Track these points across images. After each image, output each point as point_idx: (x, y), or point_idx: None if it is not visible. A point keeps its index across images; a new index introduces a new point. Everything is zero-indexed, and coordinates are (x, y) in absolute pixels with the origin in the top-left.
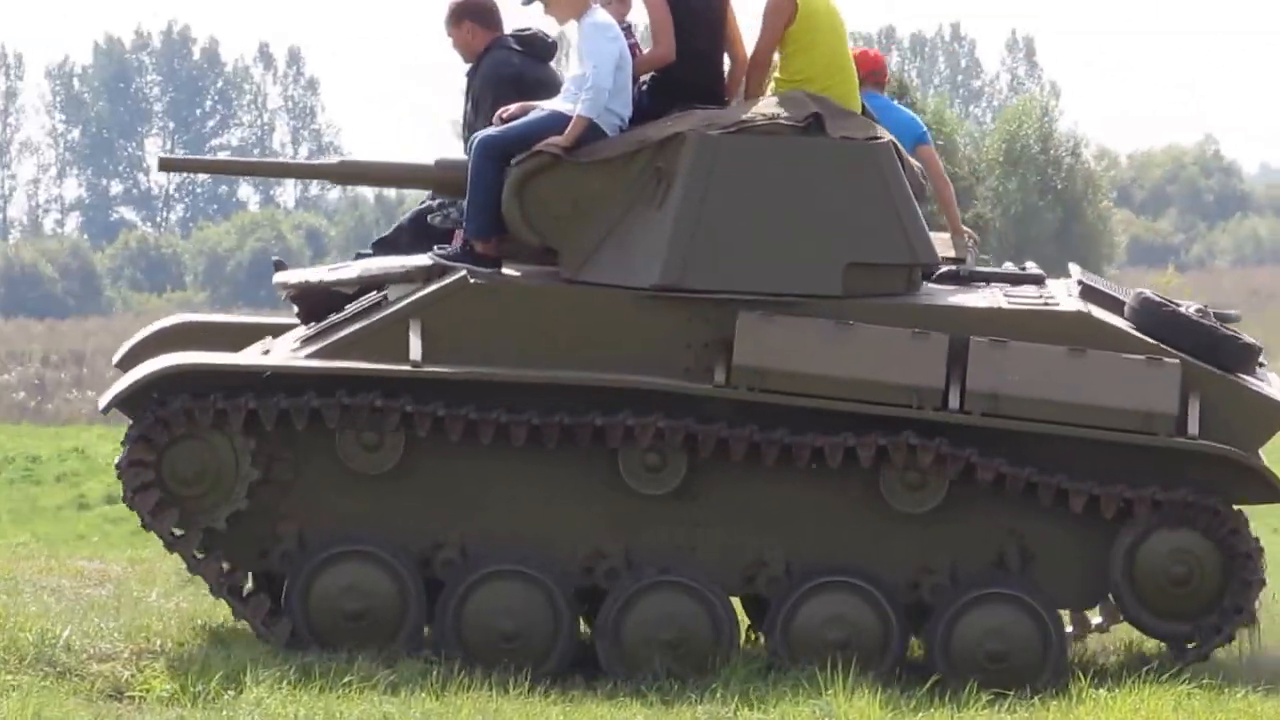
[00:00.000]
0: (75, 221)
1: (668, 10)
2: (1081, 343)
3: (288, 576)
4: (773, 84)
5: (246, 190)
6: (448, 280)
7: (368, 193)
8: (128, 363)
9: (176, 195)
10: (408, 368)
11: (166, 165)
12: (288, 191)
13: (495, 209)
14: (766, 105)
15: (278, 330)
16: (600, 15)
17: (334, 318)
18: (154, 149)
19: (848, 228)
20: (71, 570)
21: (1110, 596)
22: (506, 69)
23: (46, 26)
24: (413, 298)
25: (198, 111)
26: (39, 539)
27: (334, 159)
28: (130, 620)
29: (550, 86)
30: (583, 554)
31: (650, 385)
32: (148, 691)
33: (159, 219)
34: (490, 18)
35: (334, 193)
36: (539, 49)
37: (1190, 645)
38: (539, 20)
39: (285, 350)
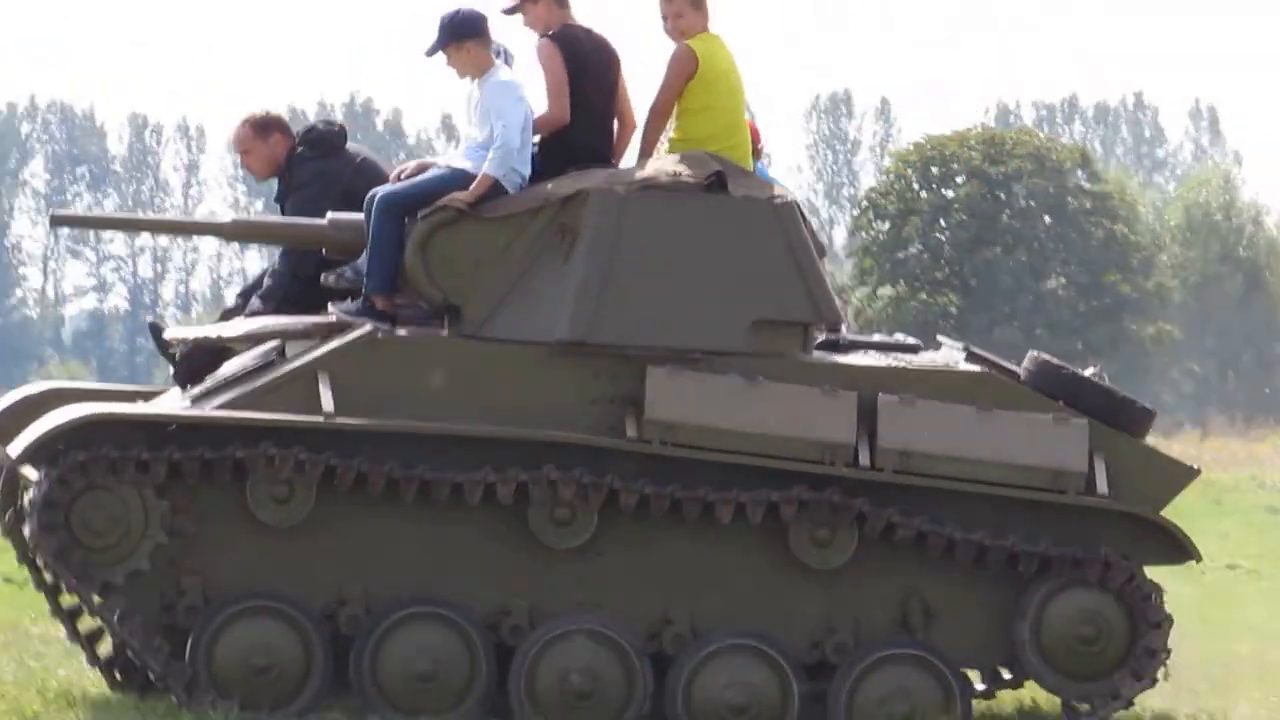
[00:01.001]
0: None
1: (565, 72)
2: (987, 402)
3: (192, 631)
4: (667, 144)
5: None
6: (355, 334)
7: None
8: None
9: None
10: (320, 419)
11: (58, 221)
12: None
13: (396, 265)
14: (668, 163)
15: (147, 396)
16: (504, 74)
17: (228, 373)
18: None
19: (753, 285)
20: None
21: (1016, 654)
22: (337, 181)
23: (228, 98)
24: (319, 351)
25: None
26: None
27: (227, 218)
28: None
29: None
30: (487, 610)
31: (568, 439)
32: None
33: None
34: (284, 127)
35: None
36: (337, 141)
37: (1085, 709)
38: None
39: (179, 407)
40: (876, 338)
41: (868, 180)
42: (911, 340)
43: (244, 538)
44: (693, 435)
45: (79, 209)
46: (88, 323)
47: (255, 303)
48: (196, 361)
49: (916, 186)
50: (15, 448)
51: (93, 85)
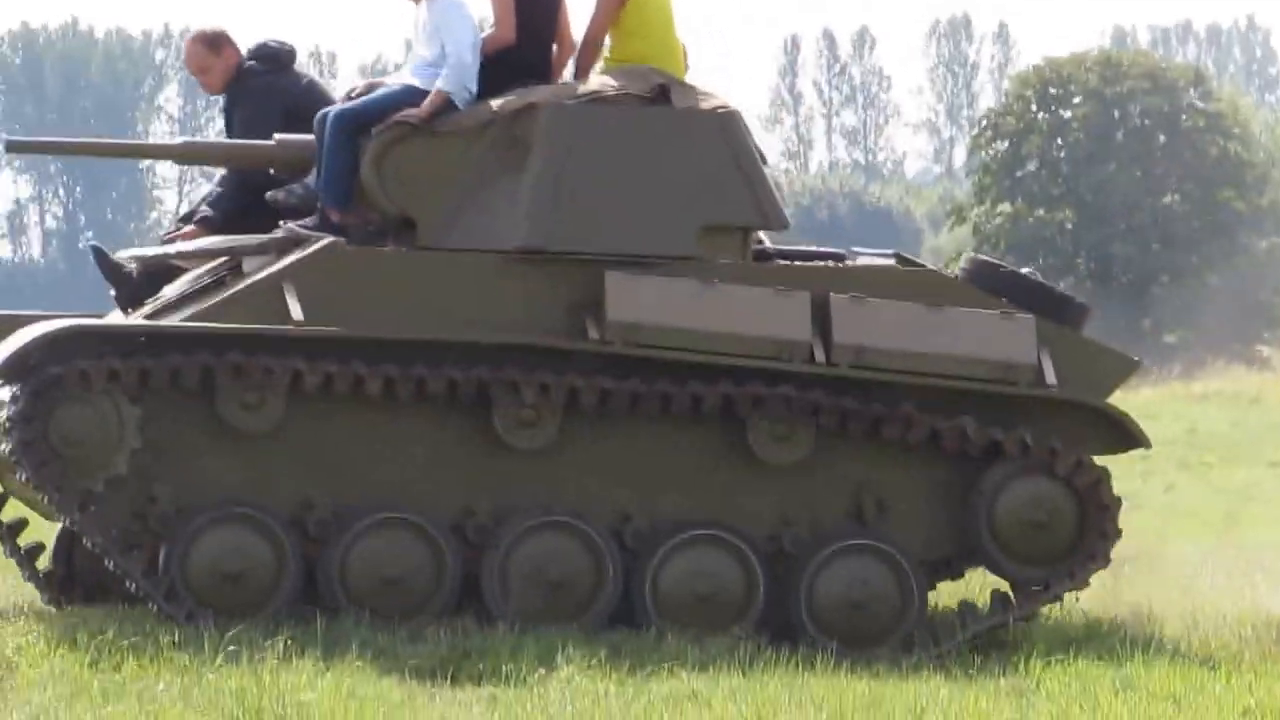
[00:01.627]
0: None
1: None
2: (934, 300)
3: (165, 539)
4: (602, 64)
5: None
6: (317, 247)
7: None
8: None
9: None
10: (290, 327)
11: (13, 147)
12: None
13: (351, 180)
14: (612, 78)
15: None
16: None
17: (180, 291)
18: None
19: (701, 192)
20: None
21: (970, 543)
22: (286, 97)
23: (358, 26)
24: (281, 264)
25: None
26: None
27: (178, 140)
28: None
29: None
30: (452, 512)
31: (534, 341)
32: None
33: None
34: (232, 41)
35: None
36: (286, 60)
37: (1038, 589)
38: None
39: (138, 320)
40: (800, 248)
41: (986, 102)
42: (836, 250)
43: (213, 446)
44: (654, 336)
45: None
46: None
47: (203, 209)
48: (140, 285)
49: (1034, 108)
50: None
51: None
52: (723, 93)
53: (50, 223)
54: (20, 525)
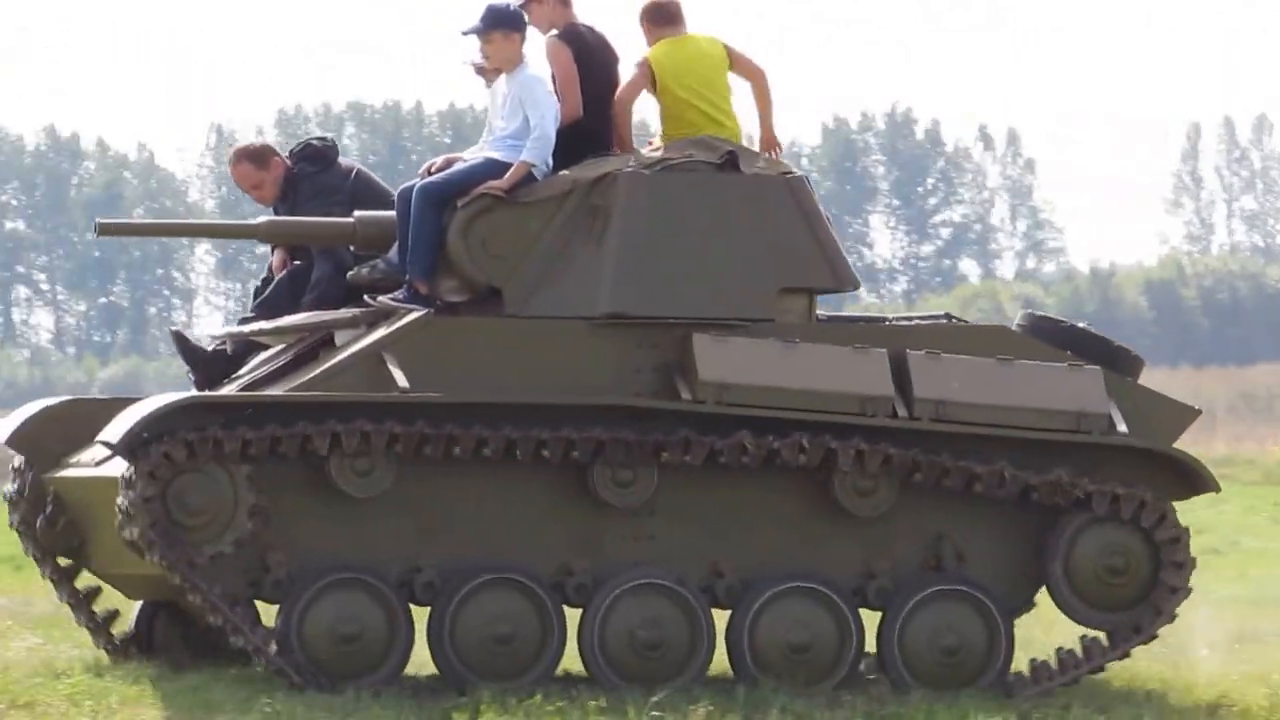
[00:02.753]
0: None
1: (574, 68)
2: (1006, 354)
3: (282, 604)
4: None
5: (969, 264)
6: (411, 318)
7: (1083, 265)
8: (19, 441)
9: (900, 269)
10: (396, 394)
11: (104, 230)
12: (1006, 264)
13: (436, 252)
14: (678, 147)
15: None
16: (533, 69)
17: (276, 363)
18: (878, 225)
19: (776, 255)
20: None
21: (1046, 587)
22: (338, 194)
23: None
24: (377, 335)
25: (919, 189)
26: None
27: (261, 219)
28: None
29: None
30: (551, 570)
31: (634, 403)
32: None
33: (883, 291)
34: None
35: (1050, 265)
36: (331, 155)
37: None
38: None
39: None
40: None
41: None
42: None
43: (323, 512)
44: (744, 394)
45: None
46: None
47: (307, 299)
48: (216, 364)
49: None
50: (109, 435)
51: None
52: (1125, 178)
53: None
54: (94, 592)
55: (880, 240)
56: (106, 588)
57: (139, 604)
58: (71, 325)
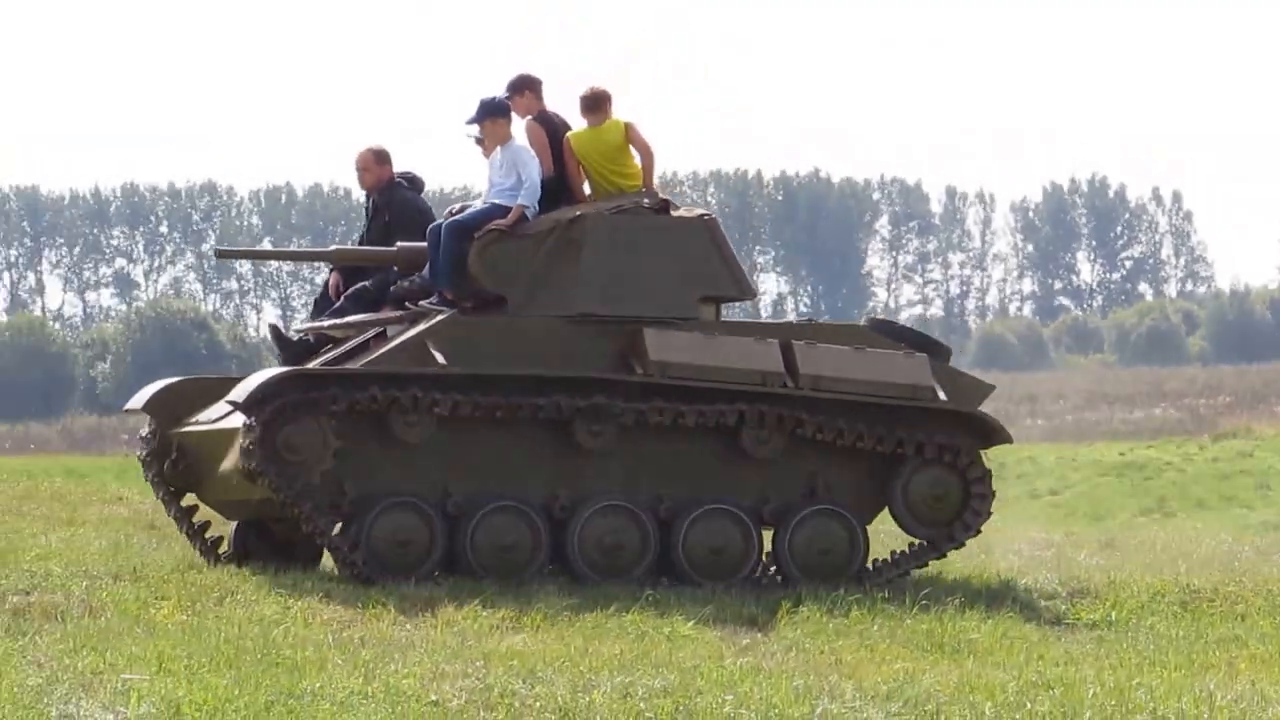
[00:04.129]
0: (1030, 308)
1: (547, 141)
2: (860, 344)
3: (354, 519)
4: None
5: (1144, 286)
6: (443, 317)
7: (1225, 285)
8: (151, 406)
9: (1097, 289)
10: (437, 369)
11: (222, 254)
12: (1171, 287)
13: (461, 270)
14: (628, 198)
15: (232, 381)
16: (521, 140)
17: (346, 348)
18: (1083, 259)
19: (697, 274)
20: None
21: (889, 509)
22: (421, 204)
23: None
24: (421, 328)
25: (1111, 234)
26: None
27: (332, 248)
28: None
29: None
30: (542, 497)
31: (601, 376)
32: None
33: (1086, 304)
34: (391, 160)
35: (1202, 288)
36: (420, 186)
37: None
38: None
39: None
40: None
41: None
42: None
43: (383, 454)
44: (681, 370)
45: None
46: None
47: (346, 304)
48: (298, 351)
49: None
50: (236, 396)
51: None
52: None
53: None
54: (205, 525)
55: (1084, 270)
56: (212, 516)
57: (234, 527)
58: None
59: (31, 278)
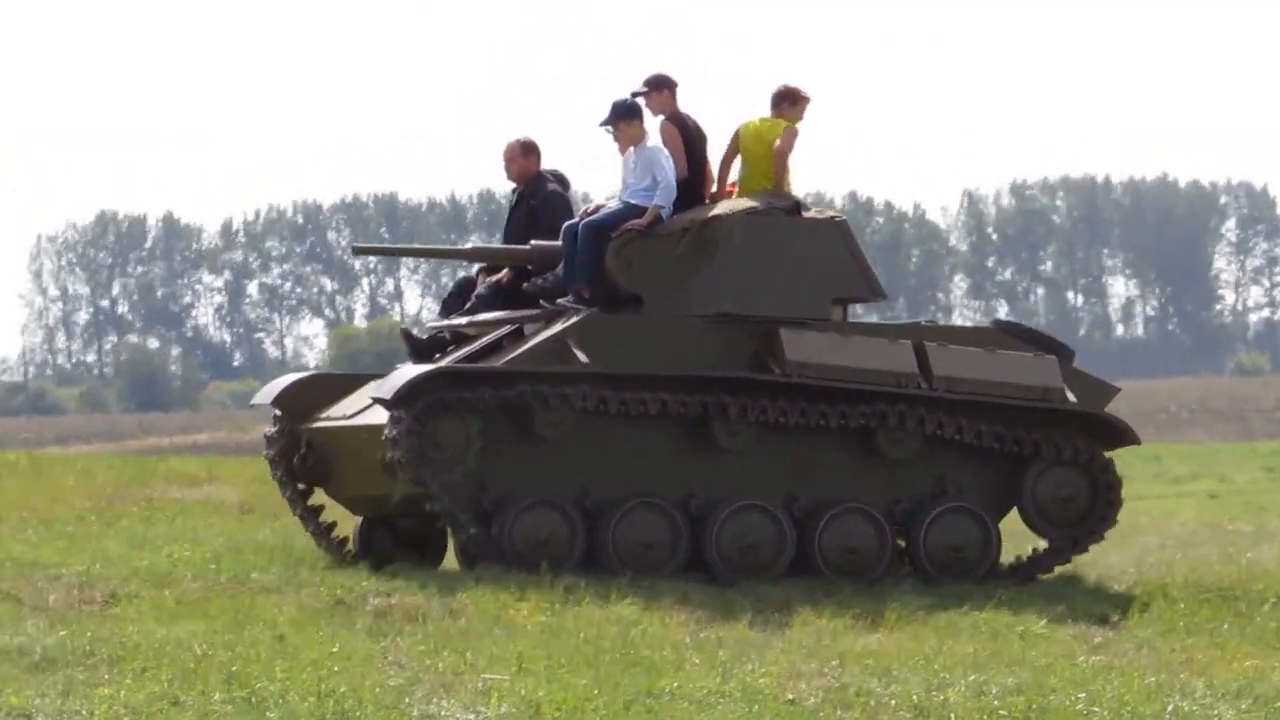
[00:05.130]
0: None
1: (681, 142)
2: (991, 346)
3: (496, 517)
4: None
5: None
6: (583, 315)
7: None
8: (280, 401)
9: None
10: (580, 368)
11: (358, 250)
12: None
13: (597, 269)
14: (760, 198)
15: (367, 377)
16: (654, 140)
17: (479, 346)
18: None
19: (829, 275)
20: None
21: (1018, 509)
22: (566, 201)
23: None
24: (560, 326)
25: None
26: None
27: (468, 246)
28: None
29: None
30: (679, 496)
31: (740, 375)
32: None
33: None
34: (539, 153)
35: None
36: (566, 183)
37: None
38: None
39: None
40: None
41: None
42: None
43: (523, 452)
44: (818, 371)
45: None
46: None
47: (479, 302)
48: (424, 350)
49: None
50: (383, 392)
51: None
52: None
53: None
54: (332, 525)
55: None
56: (339, 514)
57: (358, 524)
58: None
59: (390, 283)
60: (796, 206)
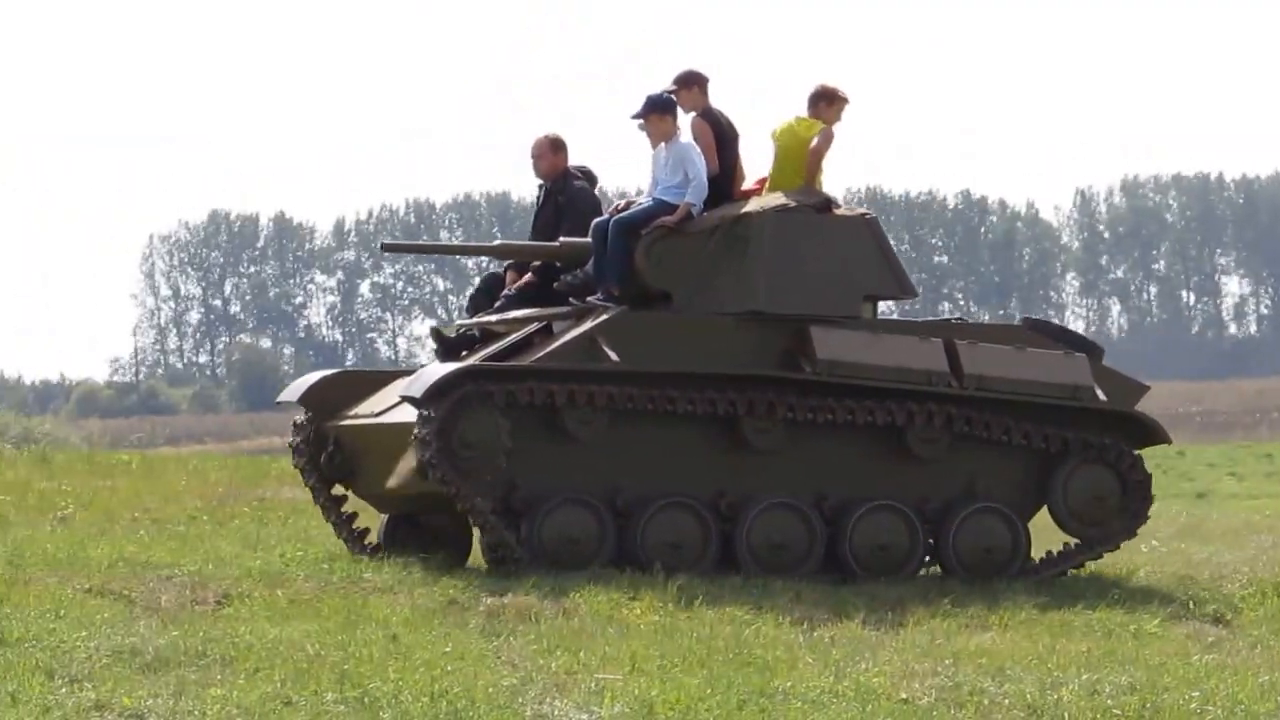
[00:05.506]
0: None
1: (713, 138)
2: (1021, 344)
3: (525, 516)
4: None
5: None
6: (614, 313)
7: None
8: (307, 398)
9: None
10: (610, 365)
11: (388, 248)
12: None
13: (627, 266)
14: (791, 195)
15: (397, 374)
16: (686, 137)
17: (508, 343)
18: None
19: (860, 272)
20: None
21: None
22: (594, 198)
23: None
24: (590, 324)
25: None
26: None
27: (496, 242)
28: None
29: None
30: (709, 495)
31: (771, 374)
32: None
33: None
34: (567, 149)
35: None
36: (593, 179)
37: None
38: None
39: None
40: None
41: None
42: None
43: (553, 450)
44: (850, 369)
45: None
46: None
47: (507, 301)
48: (452, 347)
49: None
50: (412, 391)
51: None
52: None
53: None
54: (353, 516)
55: None
56: (362, 508)
57: (384, 519)
58: None
59: None
60: (827, 204)
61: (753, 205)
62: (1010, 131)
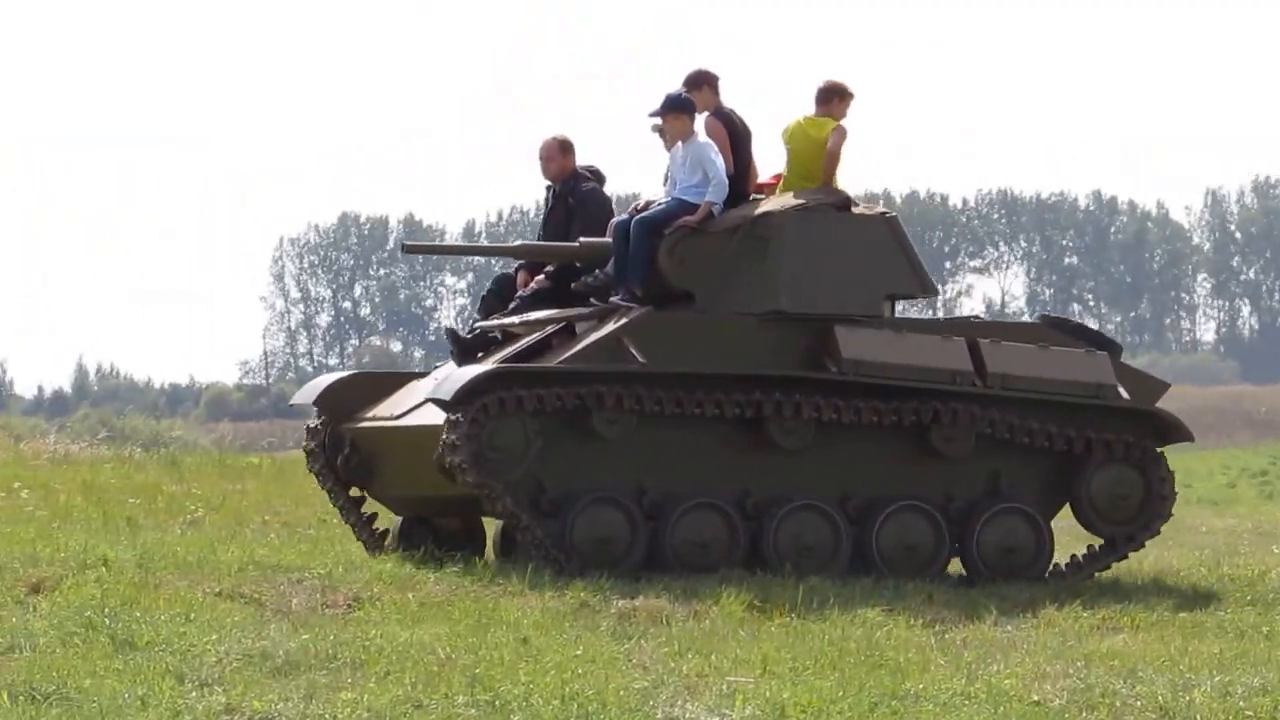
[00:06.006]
0: None
1: (727, 138)
2: (1044, 342)
3: (556, 516)
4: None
5: None
6: (637, 313)
7: None
8: (322, 400)
9: None
10: (639, 367)
11: (408, 249)
12: None
13: (649, 266)
14: (809, 194)
15: (409, 377)
16: (704, 136)
17: (527, 344)
18: None
19: (881, 271)
20: None
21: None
22: (604, 198)
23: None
24: (615, 324)
25: None
26: None
27: (516, 243)
28: None
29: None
30: (735, 495)
31: (796, 374)
32: None
33: None
34: (574, 151)
35: None
36: (603, 179)
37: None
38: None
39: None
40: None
41: None
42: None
43: (581, 451)
44: (874, 369)
45: None
46: None
47: (523, 302)
48: (468, 349)
49: None
50: (440, 393)
51: None
52: None
53: None
54: (373, 517)
55: None
56: (378, 509)
57: (399, 520)
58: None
59: None
60: (846, 203)
61: (773, 205)
62: (1140, 132)
